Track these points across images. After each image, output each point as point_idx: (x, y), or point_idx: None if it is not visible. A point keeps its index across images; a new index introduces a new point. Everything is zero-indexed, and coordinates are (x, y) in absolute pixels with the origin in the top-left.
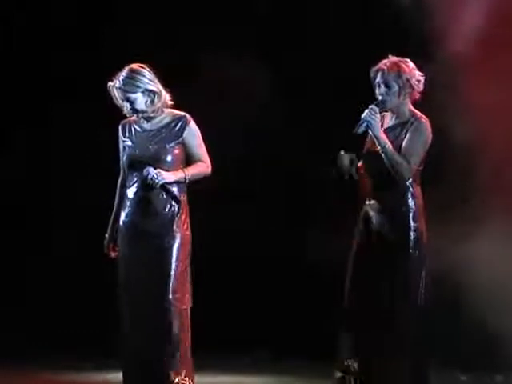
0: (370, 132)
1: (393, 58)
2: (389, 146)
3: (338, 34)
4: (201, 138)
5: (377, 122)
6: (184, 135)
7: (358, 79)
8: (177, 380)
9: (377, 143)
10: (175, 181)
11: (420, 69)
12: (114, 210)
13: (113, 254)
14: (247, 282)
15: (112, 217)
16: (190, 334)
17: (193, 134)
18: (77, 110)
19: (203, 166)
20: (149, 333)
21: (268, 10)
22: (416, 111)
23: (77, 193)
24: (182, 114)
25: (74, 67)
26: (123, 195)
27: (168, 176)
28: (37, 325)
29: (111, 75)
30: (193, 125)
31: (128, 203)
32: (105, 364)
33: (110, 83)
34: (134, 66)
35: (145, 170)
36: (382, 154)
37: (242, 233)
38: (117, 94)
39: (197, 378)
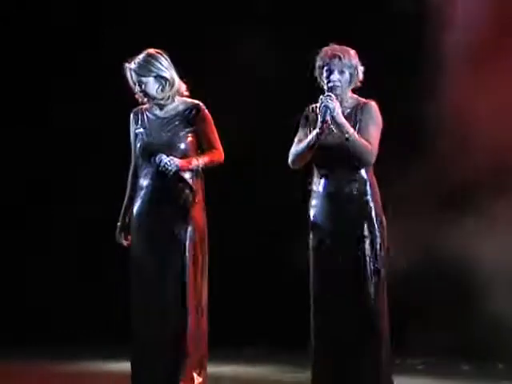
0: (334, 119)
1: (340, 46)
2: (353, 131)
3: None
4: (213, 125)
5: (338, 108)
6: (197, 123)
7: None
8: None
9: (343, 129)
10: (188, 168)
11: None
12: (126, 198)
13: (125, 243)
14: (248, 276)
15: (124, 205)
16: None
17: (206, 121)
18: (77, 109)
19: (216, 154)
20: (161, 326)
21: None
22: (357, 96)
23: (77, 192)
24: (196, 101)
25: (74, 68)
26: (135, 184)
27: (181, 163)
28: (38, 322)
29: (111, 75)
30: (206, 113)
31: (142, 192)
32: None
33: (126, 64)
34: (152, 50)
35: (157, 158)
36: (347, 142)
37: (243, 231)
38: (131, 76)
39: None
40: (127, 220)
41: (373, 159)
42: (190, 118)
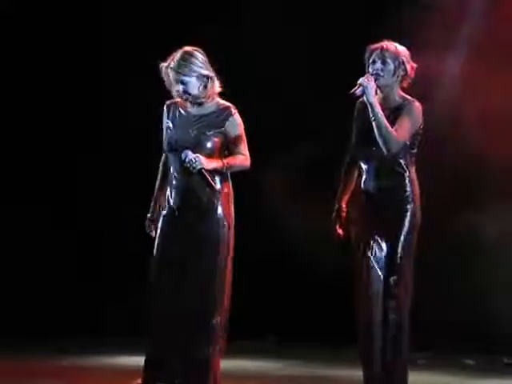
0: (365, 98)
1: (390, 41)
2: (382, 114)
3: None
4: (243, 130)
5: (372, 89)
6: (226, 125)
7: None
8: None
9: (369, 110)
10: (213, 168)
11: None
12: (155, 191)
13: (153, 234)
14: (255, 270)
15: (154, 197)
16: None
17: (235, 125)
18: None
19: (242, 159)
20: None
21: None
22: (407, 96)
23: (77, 190)
24: (228, 104)
25: (74, 68)
26: (165, 176)
27: (206, 162)
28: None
29: (111, 75)
30: (236, 116)
31: (169, 188)
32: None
33: (162, 63)
34: (189, 48)
35: (183, 153)
36: (373, 123)
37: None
38: (170, 76)
39: None
40: (156, 213)
41: (395, 148)
42: (219, 119)
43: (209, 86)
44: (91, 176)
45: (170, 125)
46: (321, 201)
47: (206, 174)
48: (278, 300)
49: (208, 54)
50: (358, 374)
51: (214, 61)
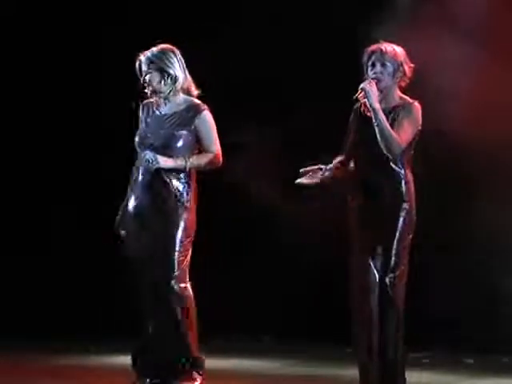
0: (367, 102)
1: (387, 43)
2: (385, 119)
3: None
4: (214, 128)
5: (374, 94)
6: (195, 123)
7: None
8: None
9: (372, 115)
10: (173, 167)
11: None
12: (128, 191)
13: (123, 234)
14: (249, 266)
15: (126, 198)
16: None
17: (205, 123)
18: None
19: (211, 157)
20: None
21: None
22: (406, 97)
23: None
24: (197, 102)
25: (74, 69)
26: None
27: (164, 162)
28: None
29: (111, 75)
30: (207, 114)
31: (135, 185)
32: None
33: (139, 55)
34: (165, 46)
35: (143, 154)
36: (376, 128)
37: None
38: (139, 68)
39: None
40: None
41: (397, 152)
42: (188, 118)
43: (168, 82)
44: (91, 175)
45: (143, 122)
46: (318, 200)
47: (162, 174)
48: (275, 299)
49: (205, 53)
50: (355, 372)
51: (211, 58)
